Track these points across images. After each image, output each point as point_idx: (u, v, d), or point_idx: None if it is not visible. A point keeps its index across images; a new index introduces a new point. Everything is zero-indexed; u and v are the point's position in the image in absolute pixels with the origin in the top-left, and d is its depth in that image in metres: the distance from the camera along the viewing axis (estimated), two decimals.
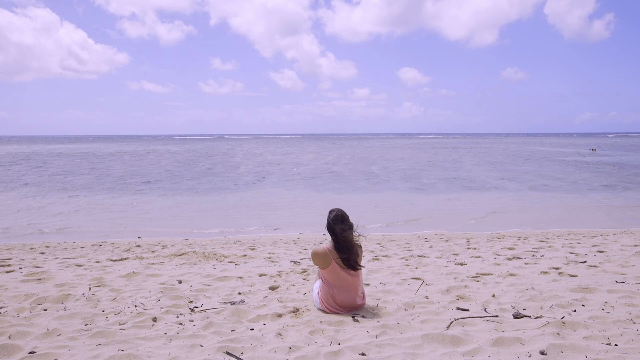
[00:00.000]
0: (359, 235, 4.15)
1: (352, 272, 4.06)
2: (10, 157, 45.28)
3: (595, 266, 6.17)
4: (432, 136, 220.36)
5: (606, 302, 4.17)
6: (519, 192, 19.56)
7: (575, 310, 3.93)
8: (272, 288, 5.15)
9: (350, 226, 4.08)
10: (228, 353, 2.95)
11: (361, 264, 4.14)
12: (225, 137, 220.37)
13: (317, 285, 4.26)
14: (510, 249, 8.36)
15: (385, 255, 7.78)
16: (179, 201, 17.72)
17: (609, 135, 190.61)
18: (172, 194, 19.67)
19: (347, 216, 4.14)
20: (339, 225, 4.03)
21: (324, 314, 3.98)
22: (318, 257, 4.08)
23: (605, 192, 19.17)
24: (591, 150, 55.64)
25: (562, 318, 3.59)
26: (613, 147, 67.88)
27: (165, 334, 3.43)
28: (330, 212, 4.17)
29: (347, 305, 4.05)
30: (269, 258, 7.83)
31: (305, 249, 8.91)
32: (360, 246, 4.15)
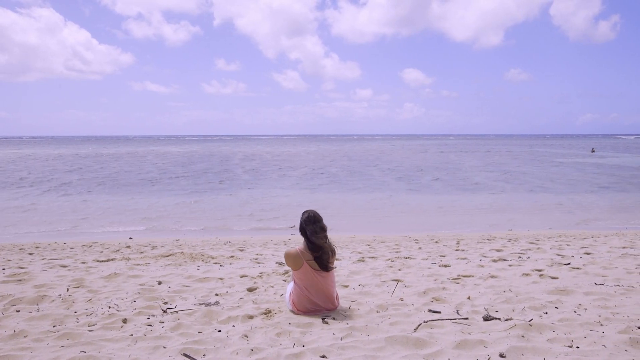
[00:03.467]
0: (332, 243, 4.15)
1: (323, 273, 4.06)
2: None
3: (578, 268, 6.15)
4: (432, 137, 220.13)
5: (580, 304, 4.16)
6: (515, 194, 19.55)
7: (546, 313, 3.92)
8: (250, 289, 5.15)
9: (322, 228, 4.09)
10: (186, 355, 2.95)
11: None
12: (226, 137, 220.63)
13: (289, 286, 4.26)
14: (498, 250, 8.34)
15: (372, 257, 7.77)
16: (174, 201, 17.72)
17: (629, 137, 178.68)
18: (168, 194, 19.68)
19: (320, 217, 4.15)
20: (311, 226, 4.04)
21: (294, 316, 3.98)
22: (290, 259, 4.09)
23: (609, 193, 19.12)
24: (591, 152, 55.54)
25: (530, 320, 3.58)
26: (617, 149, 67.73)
27: (132, 335, 3.43)
28: (303, 213, 4.18)
29: (319, 306, 4.05)
30: (255, 259, 7.82)
31: None
32: (333, 249, 4.15)
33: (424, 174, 28.26)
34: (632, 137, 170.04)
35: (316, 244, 4.00)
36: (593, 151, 56.27)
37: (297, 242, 10.47)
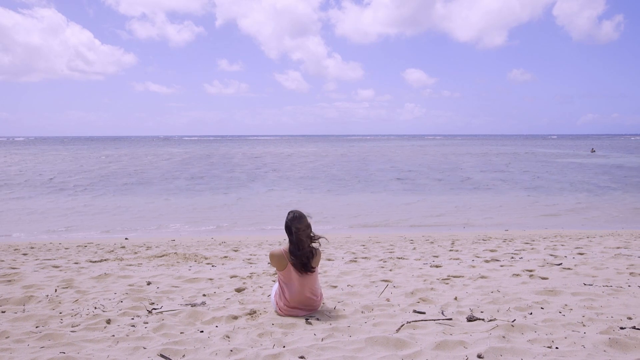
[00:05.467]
0: (318, 238, 4.14)
1: (307, 274, 4.06)
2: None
3: (569, 268, 6.14)
4: (434, 137, 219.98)
5: (566, 305, 4.14)
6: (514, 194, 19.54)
7: (531, 313, 3.90)
8: (239, 290, 5.14)
9: (307, 227, 4.08)
10: (162, 356, 2.95)
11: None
12: (227, 138, 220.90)
13: (275, 287, 4.26)
14: (492, 251, 8.32)
15: (365, 257, 7.76)
16: (172, 201, 17.73)
17: (637, 137, 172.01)
18: (162, 194, 19.68)
19: (305, 217, 4.14)
20: (295, 226, 4.04)
21: (278, 316, 3.98)
22: (274, 259, 4.08)
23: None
24: (591, 152, 55.47)
25: (513, 321, 3.57)
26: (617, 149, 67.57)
27: (113, 336, 3.43)
28: (289, 213, 4.18)
29: (303, 307, 4.05)
30: (248, 260, 7.81)
31: None
32: (318, 250, 4.15)
33: (423, 174, 28.25)
34: None
35: (299, 245, 4.00)
36: (593, 151, 56.17)
37: None
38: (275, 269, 6.22)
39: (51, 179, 25.95)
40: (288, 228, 4.07)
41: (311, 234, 4.06)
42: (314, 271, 4.08)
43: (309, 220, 4.14)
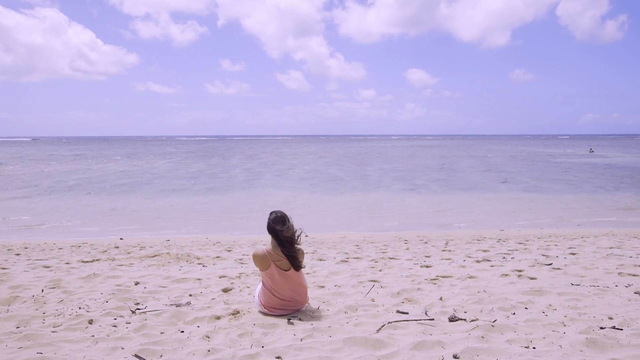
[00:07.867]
0: (300, 234, 4.14)
1: (291, 274, 4.06)
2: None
3: (558, 268, 6.12)
4: (435, 137, 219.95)
5: (550, 305, 4.13)
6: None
7: (514, 313, 3.89)
8: (225, 290, 5.14)
9: (289, 226, 4.08)
10: (137, 356, 2.94)
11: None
12: (227, 138, 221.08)
13: (258, 287, 4.26)
14: (484, 251, 8.30)
15: (357, 257, 7.74)
16: (170, 201, 17.73)
17: None
18: (160, 194, 19.69)
19: (288, 217, 4.15)
20: (279, 226, 4.04)
21: (261, 317, 3.97)
22: (257, 259, 4.08)
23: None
24: (589, 152, 55.44)
25: (493, 321, 3.55)
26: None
27: (93, 336, 3.43)
28: (271, 213, 4.18)
29: (287, 307, 4.05)
30: (240, 260, 7.81)
31: None
32: (301, 249, 4.15)
33: (421, 174, 28.25)
34: None
35: (286, 242, 4.01)
36: (592, 151, 56.12)
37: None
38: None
39: (49, 180, 26.00)
40: (271, 228, 4.08)
41: (294, 232, 4.06)
42: (302, 268, 4.09)
43: (291, 220, 4.14)
